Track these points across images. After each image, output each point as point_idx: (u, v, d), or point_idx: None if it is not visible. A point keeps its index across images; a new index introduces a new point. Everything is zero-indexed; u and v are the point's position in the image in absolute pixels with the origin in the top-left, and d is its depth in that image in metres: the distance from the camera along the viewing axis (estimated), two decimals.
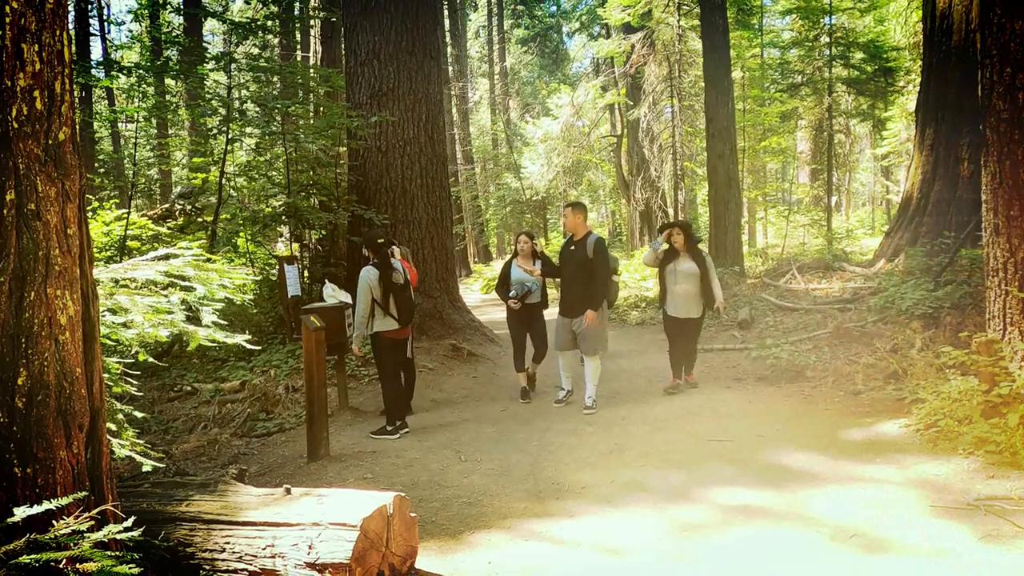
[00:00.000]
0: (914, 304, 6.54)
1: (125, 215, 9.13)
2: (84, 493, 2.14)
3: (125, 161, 13.37)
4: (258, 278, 8.56)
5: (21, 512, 1.93)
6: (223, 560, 2.66)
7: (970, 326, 5.64)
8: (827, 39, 15.08)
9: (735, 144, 12.38)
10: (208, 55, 10.09)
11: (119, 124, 16.97)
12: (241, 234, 9.28)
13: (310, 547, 2.59)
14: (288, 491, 2.95)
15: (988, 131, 4.26)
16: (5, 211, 2.01)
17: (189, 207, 11.18)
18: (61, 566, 1.95)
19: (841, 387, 5.72)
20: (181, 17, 18.37)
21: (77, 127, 2.23)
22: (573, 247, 5.73)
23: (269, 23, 13.00)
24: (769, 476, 3.98)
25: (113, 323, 3.07)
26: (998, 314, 4.30)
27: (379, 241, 5.50)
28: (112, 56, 18.43)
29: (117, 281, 3.34)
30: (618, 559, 3.06)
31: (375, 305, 5.38)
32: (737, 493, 3.74)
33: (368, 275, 5.36)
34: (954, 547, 2.96)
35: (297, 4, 16.40)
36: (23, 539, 1.92)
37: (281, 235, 10.86)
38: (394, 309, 5.39)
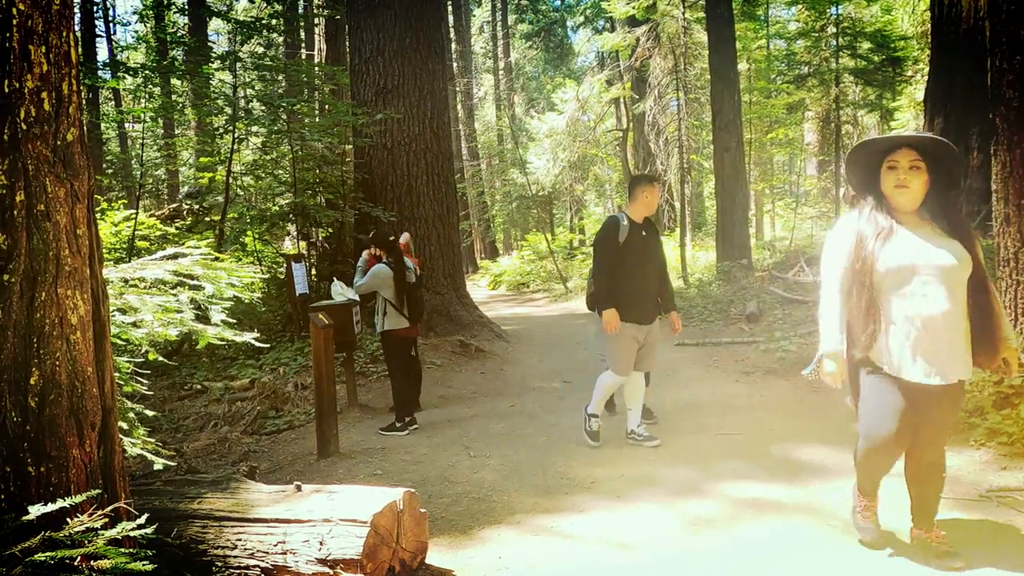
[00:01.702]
0: None
1: (133, 215, 9.19)
2: (97, 491, 2.16)
3: (132, 161, 13.45)
4: (266, 276, 8.61)
5: (36, 510, 1.94)
6: (235, 557, 2.67)
7: None
8: (833, 29, 14.96)
9: (741, 136, 12.32)
10: (213, 54, 10.13)
11: (126, 124, 17.06)
12: (248, 233, 9.32)
13: (321, 543, 2.60)
14: (299, 488, 2.97)
15: (998, 120, 4.22)
16: (15, 212, 2.02)
17: (196, 206, 11.23)
18: (76, 563, 1.97)
19: None
20: (186, 17, 18.43)
21: (85, 128, 2.24)
22: (645, 232, 4.49)
23: (274, 22, 13.01)
24: (779, 470, 3.97)
25: (123, 322, 3.09)
26: (1009, 304, 4.26)
27: (391, 239, 5.49)
28: (118, 57, 18.50)
29: (126, 281, 3.36)
30: (628, 554, 3.06)
31: (387, 304, 5.40)
32: (747, 487, 3.73)
33: (381, 272, 5.37)
34: (965, 539, 2.94)
35: (301, 3, 16.42)
36: (38, 537, 1.94)
37: (288, 233, 10.90)
38: (406, 308, 5.41)
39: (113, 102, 19.89)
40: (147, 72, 10.15)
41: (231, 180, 9.16)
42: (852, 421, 4.75)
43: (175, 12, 18.16)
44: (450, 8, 25.54)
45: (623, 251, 4.37)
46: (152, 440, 3.10)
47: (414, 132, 8.93)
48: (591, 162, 21.88)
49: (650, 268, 4.47)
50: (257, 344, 3.61)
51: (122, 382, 3.18)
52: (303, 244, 9.27)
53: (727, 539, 3.12)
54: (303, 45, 18.45)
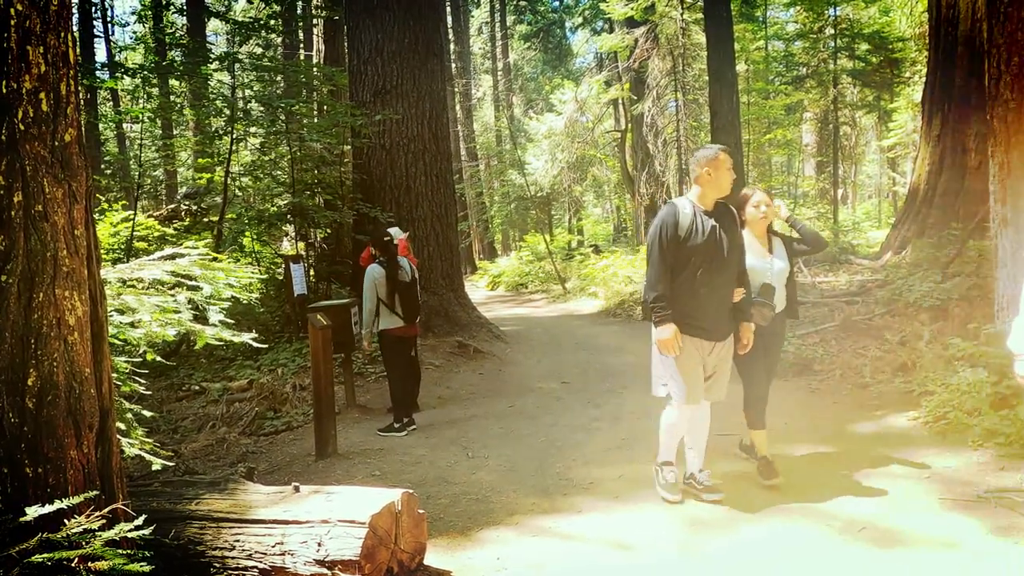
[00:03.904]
0: (922, 296, 6.51)
1: (131, 216, 9.18)
2: (95, 492, 2.15)
3: (131, 162, 13.43)
4: (264, 277, 8.59)
5: (33, 511, 1.94)
6: (233, 558, 2.67)
7: (979, 318, 5.60)
8: (832, 30, 15.01)
9: (740, 137, 12.33)
10: (212, 55, 10.11)
11: (124, 125, 17.02)
12: (247, 233, 9.31)
13: (319, 544, 2.60)
14: (297, 489, 2.96)
15: (995, 121, 4.23)
16: (13, 213, 2.02)
17: (195, 207, 11.22)
18: (73, 564, 1.97)
19: (849, 380, 5.70)
20: (184, 17, 18.42)
21: (83, 128, 2.24)
22: (717, 222, 3.47)
23: (272, 22, 13.01)
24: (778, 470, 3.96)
25: (121, 323, 3.09)
26: (1007, 306, 4.27)
27: (385, 239, 5.51)
28: (116, 57, 18.49)
29: (124, 281, 3.36)
30: (626, 554, 3.06)
31: (381, 303, 5.40)
32: (746, 487, 3.73)
33: (374, 273, 5.39)
34: (964, 540, 2.95)
35: (300, 3, 16.41)
36: (35, 538, 1.94)
37: (286, 234, 10.90)
38: (399, 307, 5.41)
39: (111, 102, 19.86)
40: (145, 73, 10.14)
41: (229, 181, 9.15)
42: (850, 423, 4.76)
43: (173, 13, 18.15)
44: (449, 9, 25.55)
45: (685, 247, 3.40)
46: (150, 441, 3.10)
47: (412, 133, 8.92)
48: (589, 163, 21.89)
49: (723, 268, 3.46)
50: (255, 345, 3.61)
51: (120, 383, 3.18)
52: (301, 245, 9.26)
53: (726, 540, 3.12)
54: (301, 46, 18.44)
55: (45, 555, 1.90)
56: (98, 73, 13.54)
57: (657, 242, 3.45)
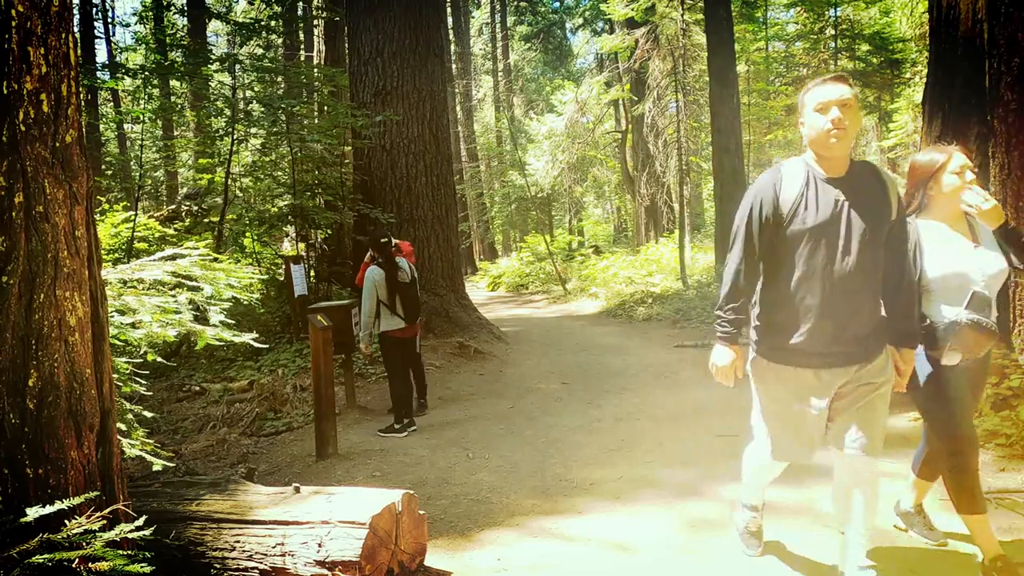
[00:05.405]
0: None
1: (132, 217, 9.19)
2: (95, 493, 2.16)
3: (131, 163, 13.44)
4: (265, 278, 8.61)
5: (33, 512, 1.94)
6: (233, 559, 2.67)
7: None
8: (832, 31, 15.01)
9: (740, 138, 12.33)
10: (212, 56, 10.12)
11: (125, 126, 17.04)
12: (247, 234, 9.33)
13: (320, 545, 2.60)
14: (297, 490, 2.96)
15: (996, 122, 4.23)
16: (14, 214, 2.02)
17: (195, 208, 11.24)
18: (74, 565, 1.97)
19: None
20: (185, 18, 18.44)
21: (83, 129, 2.24)
22: (847, 194, 2.29)
23: (273, 23, 13.02)
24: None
25: (122, 323, 3.09)
26: (1007, 306, 4.26)
27: (383, 240, 5.51)
28: (117, 58, 18.50)
29: (125, 282, 3.36)
30: (627, 556, 3.06)
31: (381, 304, 5.41)
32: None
33: (374, 275, 5.39)
34: (964, 541, 2.94)
35: (300, 4, 16.43)
36: (36, 539, 1.94)
37: (287, 235, 10.91)
38: (400, 308, 5.41)
39: (112, 103, 19.88)
40: (146, 73, 10.14)
41: (230, 181, 9.17)
42: None
43: (174, 13, 18.17)
44: (449, 10, 25.58)
45: (787, 232, 2.30)
46: (151, 441, 3.10)
47: (413, 134, 8.93)
48: (590, 163, 21.91)
49: (853, 265, 2.25)
50: (256, 345, 3.61)
51: (121, 383, 3.18)
52: (302, 246, 9.27)
53: (726, 541, 3.12)
54: (302, 46, 18.46)
55: (46, 556, 1.90)
56: (99, 74, 13.55)
57: (744, 227, 2.36)
